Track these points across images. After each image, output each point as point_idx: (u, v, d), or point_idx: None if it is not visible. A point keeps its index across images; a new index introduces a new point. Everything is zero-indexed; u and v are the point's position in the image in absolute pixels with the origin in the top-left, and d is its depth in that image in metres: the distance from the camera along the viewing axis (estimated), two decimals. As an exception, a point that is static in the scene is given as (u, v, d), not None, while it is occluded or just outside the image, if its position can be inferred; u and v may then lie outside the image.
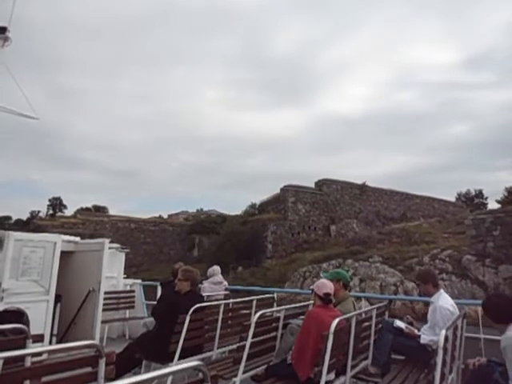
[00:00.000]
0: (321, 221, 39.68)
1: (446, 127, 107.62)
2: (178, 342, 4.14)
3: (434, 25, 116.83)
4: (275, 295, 6.11)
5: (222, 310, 4.87)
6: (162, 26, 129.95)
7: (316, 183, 42.09)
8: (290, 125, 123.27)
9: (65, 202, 67.48)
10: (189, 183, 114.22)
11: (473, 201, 53.80)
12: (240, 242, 35.15)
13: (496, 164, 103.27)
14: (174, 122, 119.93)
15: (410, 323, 4.66)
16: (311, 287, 4.04)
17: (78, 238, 6.99)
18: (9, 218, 64.18)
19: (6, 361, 2.13)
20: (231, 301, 5.67)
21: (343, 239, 37.16)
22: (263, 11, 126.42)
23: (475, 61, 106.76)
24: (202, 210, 69.73)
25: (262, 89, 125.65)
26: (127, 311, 7.93)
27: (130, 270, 37.60)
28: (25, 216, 65.24)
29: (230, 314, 5.29)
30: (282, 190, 40.31)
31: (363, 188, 43.41)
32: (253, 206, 44.48)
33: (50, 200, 66.91)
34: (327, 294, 3.81)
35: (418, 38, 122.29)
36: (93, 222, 48.52)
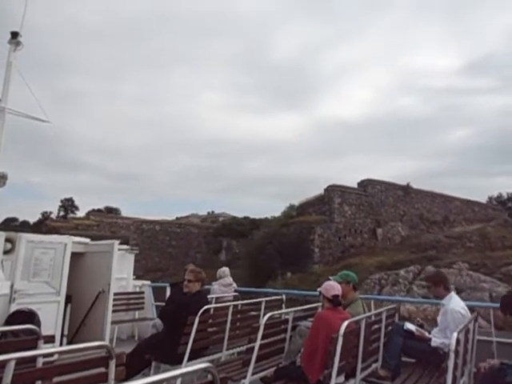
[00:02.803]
0: (366, 223, 37.61)
1: (446, 132, 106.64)
2: (187, 343, 4.15)
3: (435, 30, 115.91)
4: (283, 297, 6.10)
5: (230, 311, 4.87)
6: (162, 29, 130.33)
7: (359, 183, 39.91)
8: (290, 128, 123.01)
9: (76, 203, 67.48)
10: (189, 187, 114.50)
11: (505, 204, 53.40)
12: (283, 245, 32.79)
13: (495, 169, 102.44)
14: (174, 125, 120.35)
15: (421, 326, 4.61)
16: (319, 289, 4.02)
17: (87, 240, 7.05)
18: (15, 219, 64.86)
19: (18, 361, 2.15)
20: (240, 302, 5.67)
21: (390, 243, 35.74)
22: (264, 15, 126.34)
23: (476, 66, 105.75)
24: (213, 212, 69.51)
25: (263, 92, 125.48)
26: (136, 312, 7.98)
27: (156, 275, 36.66)
28: (29, 218, 65.81)
29: (238, 316, 5.29)
30: (326, 190, 37.94)
31: (407, 189, 41.39)
32: (291, 207, 42.00)
33: (61, 201, 67.06)
34: (336, 296, 3.79)
35: (418, 43, 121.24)
36: (107, 223, 48.39)
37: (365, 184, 39.63)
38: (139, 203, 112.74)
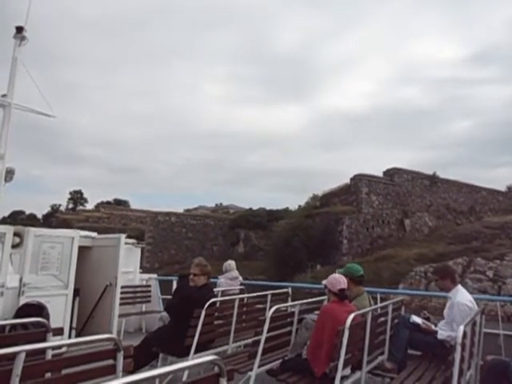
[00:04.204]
0: (394, 214, 36.35)
1: (450, 123, 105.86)
2: (193, 335, 4.18)
3: (439, 20, 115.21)
4: (289, 290, 6.11)
5: (237, 304, 4.90)
6: (163, 20, 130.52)
7: (385, 172, 38.53)
8: (292, 121, 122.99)
9: (85, 196, 67.18)
10: (191, 179, 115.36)
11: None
12: (310, 237, 31.55)
13: (498, 160, 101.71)
14: (175, 118, 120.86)
15: (427, 318, 4.60)
16: (324, 282, 4.02)
17: (95, 233, 7.11)
18: (22, 212, 65.27)
19: (28, 353, 2.18)
20: (246, 295, 5.69)
21: (419, 234, 34.64)
22: (266, 6, 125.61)
23: (480, 56, 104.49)
24: (221, 204, 69.24)
25: (265, 84, 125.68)
26: (143, 305, 8.05)
27: (173, 268, 36.09)
28: (34, 210, 66.21)
29: (245, 309, 5.31)
30: (352, 179, 36.47)
31: (434, 179, 40.30)
32: (314, 197, 40.31)
33: (70, 193, 66.97)
34: (342, 290, 3.79)
35: (422, 33, 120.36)
36: (118, 215, 48.11)
37: (391, 173, 38.16)
38: (142, 196, 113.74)
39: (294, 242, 31.72)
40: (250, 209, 51.62)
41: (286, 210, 45.02)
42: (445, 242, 29.44)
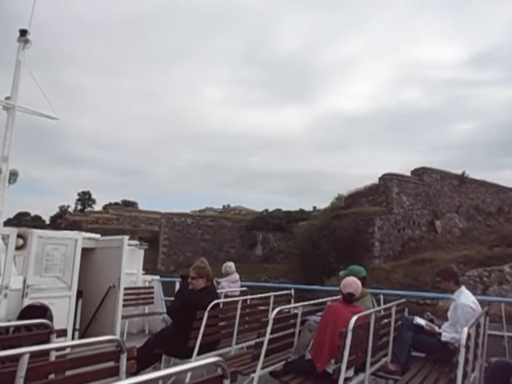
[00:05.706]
0: (424, 215, 35.28)
1: (452, 125, 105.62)
2: (196, 337, 4.18)
3: (440, 22, 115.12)
4: (292, 291, 6.10)
5: (239, 306, 4.89)
6: (165, 23, 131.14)
7: (413, 172, 37.44)
8: (294, 123, 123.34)
9: (93, 197, 66.76)
10: (194, 181, 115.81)
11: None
12: (339, 239, 30.27)
13: (501, 162, 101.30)
14: (177, 120, 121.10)
15: (431, 320, 4.58)
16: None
17: (98, 235, 7.12)
18: (27, 214, 65.42)
19: (32, 355, 2.19)
20: (249, 297, 5.69)
21: (450, 236, 33.62)
22: (267, 9, 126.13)
23: (481, 58, 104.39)
24: (228, 206, 68.81)
25: (266, 87, 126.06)
26: (146, 307, 8.05)
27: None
28: (38, 211, 66.42)
29: (247, 311, 5.30)
30: (381, 179, 35.42)
31: (463, 179, 39.29)
32: (339, 198, 38.81)
33: (78, 194, 66.44)
34: (350, 294, 3.79)
35: (424, 35, 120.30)
36: (127, 217, 47.57)
37: (420, 172, 37.13)
38: (147, 198, 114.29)
39: (322, 243, 30.62)
40: (266, 210, 50.14)
41: (303, 211, 44.07)
42: (485, 245, 27.85)
